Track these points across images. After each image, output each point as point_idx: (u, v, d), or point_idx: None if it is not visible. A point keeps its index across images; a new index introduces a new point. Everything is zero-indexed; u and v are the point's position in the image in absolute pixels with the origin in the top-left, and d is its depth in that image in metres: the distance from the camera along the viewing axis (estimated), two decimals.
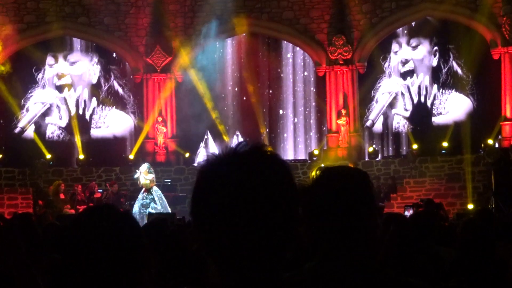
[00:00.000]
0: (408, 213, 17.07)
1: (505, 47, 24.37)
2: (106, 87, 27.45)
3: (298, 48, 28.16)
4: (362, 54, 26.74)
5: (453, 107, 26.32)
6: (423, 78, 26.77)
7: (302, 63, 28.68)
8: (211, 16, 26.31)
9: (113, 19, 26.92)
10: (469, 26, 24.99)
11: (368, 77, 27.12)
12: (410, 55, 26.78)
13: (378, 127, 27.50)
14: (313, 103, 28.57)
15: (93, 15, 26.73)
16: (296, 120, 28.82)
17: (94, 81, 27.44)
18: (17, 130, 26.76)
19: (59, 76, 27.02)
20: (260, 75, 28.27)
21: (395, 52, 26.93)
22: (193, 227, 1.93)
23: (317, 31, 26.97)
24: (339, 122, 26.45)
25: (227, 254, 1.85)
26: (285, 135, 28.83)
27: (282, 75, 28.67)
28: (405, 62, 26.88)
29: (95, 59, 27.42)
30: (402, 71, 26.98)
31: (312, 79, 28.43)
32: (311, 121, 28.69)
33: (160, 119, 26.71)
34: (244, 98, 28.46)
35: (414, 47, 26.71)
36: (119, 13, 26.93)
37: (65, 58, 27.13)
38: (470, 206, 22.08)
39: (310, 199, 2.54)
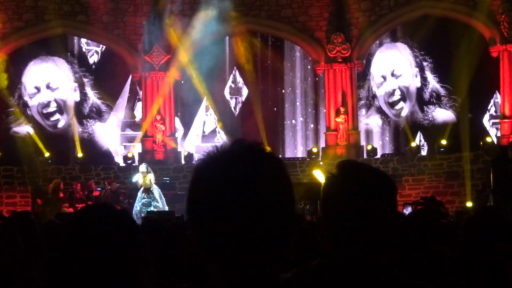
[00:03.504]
0: (407, 211, 17.06)
1: (504, 44, 24.38)
2: (87, 103, 27.49)
3: (296, 46, 28.17)
4: (361, 52, 26.74)
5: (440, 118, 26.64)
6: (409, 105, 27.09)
7: (300, 61, 28.68)
8: (210, 14, 26.29)
9: (111, 17, 26.91)
10: (468, 24, 24.99)
11: (367, 75, 27.18)
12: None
13: (378, 124, 27.58)
14: (312, 101, 28.59)
15: (92, 13, 26.73)
16: (294, 118, 28.83)
17: (77, 98, 27.41)
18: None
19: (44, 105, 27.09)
20: (259, 73, 28.26)
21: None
22: (189, 226, 1.91)
23: (316, 29, 26.97)
24: (338, 120, 26.44)
25: (223, 253, 1.83)
26: (283, 133, 28.84)
27: (280, 73, 28.67)
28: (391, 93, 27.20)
29: (72, 73, 27.40)
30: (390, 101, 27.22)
31: (310, 77, 28.45)
32: (310, 119, 28.70)
33: (158, 117, 26.72)
34: (243, 96, 28.52)
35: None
36: (117, 11, 26.92)
37: (47, 86, 27.06)
38: (469, 204, 22.08)
39: (331, 192, 2.52)
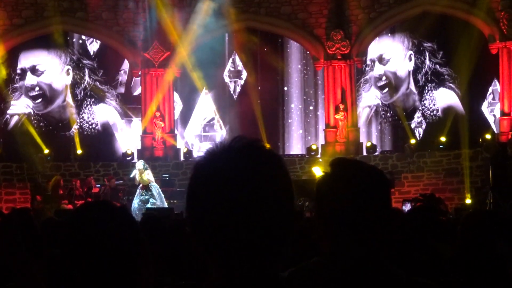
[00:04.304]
0: (406, 208, 17.05)
1: (503, 42, 24.36)
2: (83, 85, 27.54)
3: (296, 43, 28.15)
4: (360, 49, 26.74)
5: (441, 101, 26.65)
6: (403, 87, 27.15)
7: (300, 58, 28.66)
8: (209, 10, 26.27)
9: (111, 13, 26.89)
10: (467, 21, 24.98)
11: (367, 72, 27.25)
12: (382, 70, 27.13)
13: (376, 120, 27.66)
14: (311, 98, 28.59)
15: (91, 10, 26.72)
16: (294, 114, 28.82)
17: (68, 82, 27.45)
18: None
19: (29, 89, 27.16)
20: (258, 70, 28.24)
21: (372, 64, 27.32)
22: (188, 224, 1.91)
23: (315, 26, 26.95)
24: (337, 117, 26.44)
25: (223, 252, 1.83)
26: (283, 130, 28.83)
27: (280, 70, 28.64)
28: (379, 78, 27.28)
29: (65, 59, 27.42)
30: (379, 84, 27.36)
31: (310, 74, 28.44)
32: (309, 116, 28.70)
33: (158, 114, 26.70)
34: (242, 94, 28.49)
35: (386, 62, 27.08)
36: (117, 8, 26.90)
37: (32, 71, 27.04)
38: (468, 201, 22.10)
39: (325, 190, 2.52)
